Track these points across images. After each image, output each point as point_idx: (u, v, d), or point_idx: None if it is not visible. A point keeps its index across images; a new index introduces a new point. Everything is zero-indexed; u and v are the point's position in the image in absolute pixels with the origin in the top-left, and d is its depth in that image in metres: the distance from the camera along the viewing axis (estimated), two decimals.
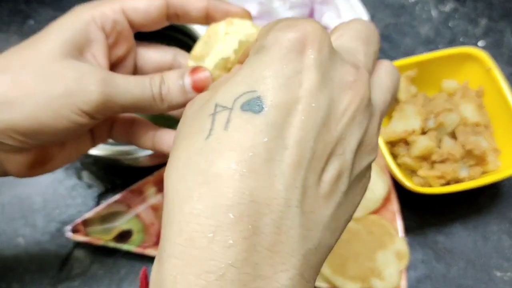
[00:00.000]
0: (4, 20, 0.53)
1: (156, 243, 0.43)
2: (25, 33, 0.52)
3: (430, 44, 0.55)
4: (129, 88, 0.26)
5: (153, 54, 0.31)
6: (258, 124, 0.17)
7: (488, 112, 0.46)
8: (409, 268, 0.44)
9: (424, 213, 0.46)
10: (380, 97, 0.21)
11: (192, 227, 0.17)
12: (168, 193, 0.18)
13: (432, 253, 0.45)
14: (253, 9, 0.50)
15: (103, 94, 0.24)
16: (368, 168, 0.21)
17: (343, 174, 0.19)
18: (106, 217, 0.43)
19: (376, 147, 0.20)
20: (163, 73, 0.27)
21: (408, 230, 0.45)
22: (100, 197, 0.46)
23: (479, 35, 0.56)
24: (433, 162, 0.43)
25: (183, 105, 0.27)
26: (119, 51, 0.29)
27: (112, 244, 0.42)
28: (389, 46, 0.55)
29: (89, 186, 0.46)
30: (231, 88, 0.19)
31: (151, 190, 0.44)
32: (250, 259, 0.16)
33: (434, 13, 0.57)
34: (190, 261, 0.17)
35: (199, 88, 0.27)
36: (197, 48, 0.28)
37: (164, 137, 0.30)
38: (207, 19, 0.29)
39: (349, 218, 0.21)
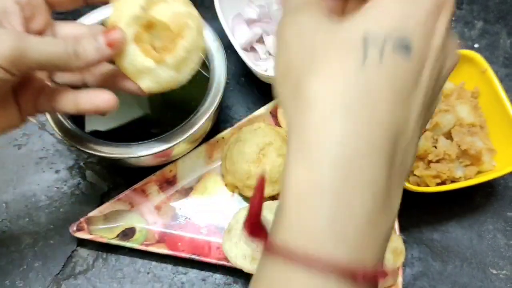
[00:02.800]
0: None
1: (158, 241, 0.43)
2: None
3: None
4: (43, 44, 0.28)
5: (70, 28, 0.34)
6: (406, 67, 0.20)
7: (483, 113, 0.47)
8: (406, 265, 0.45)
9: (420, 212, 0.47)
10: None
11: (341, 141, 0.19)
12: (322, 105, 0.20)
13: (428, 251, 0.46)
14: (254, 12, 0.51)
15: (16, 48, 0.27)
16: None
17: (440, 96, 0.25)
18: (109, 216, 0.44)
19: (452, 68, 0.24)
20: (78, 37, 0.30)
21: (404, 228, 0.46)
22: (104, 196, 0.46)
23: (475, 38, 0.57)
24: (429, 162, 0.44)
25: (99, 61, 0.30)
26: (36, 24, 0.32)
27: (115, 242, 0.43)
28: None
29: (93, 185, 0.47)
30: (383, 20, 0.20)
31: (153, 189, 0.45)
32: (389, 179, 0.20)
33: None
34: (336, 165, 0.19)
35: (112, 44, 0.30)
36: (111, 17, 0.31)
37: (85, 97, 0.32)
38: None
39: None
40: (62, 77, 0.35)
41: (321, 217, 0.19)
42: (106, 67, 0.35)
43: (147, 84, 0.33)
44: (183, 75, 0.33)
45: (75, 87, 0.34)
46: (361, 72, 0.19)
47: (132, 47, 0.31)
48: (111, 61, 0.33)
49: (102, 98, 0.32)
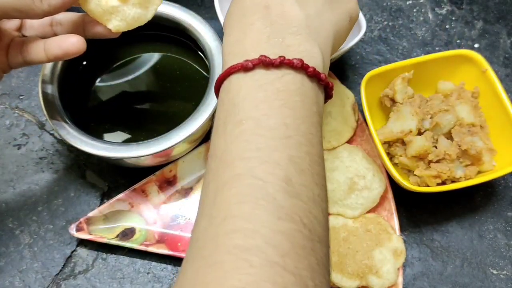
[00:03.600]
0: None
1: (158, 241, 0.43)
2: None
3: (426, 46, 0.56)
4: None
5: None
6: None
7: (483, 113, 0.47)
8: (406, 265, 0.45)
9: (420, 212, 0.47)
10: None
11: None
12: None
13: (429, 251, 0.46)
14: None
15: None
16: None
17: None
18: (109, 216, 0.44)
19: None
20: None
21: (404, 228, 0.46)
22: (103, 196, 0.46)
23: (475, 38, 0.57)
24: (430, 162, 0.44)
25: (63, 4, 0.31)
26: None
27: (115, 242, 0.43)
28: (386, 48, 0.55)
29: (93, 185, 0.47)
30: None
31: (153, 189, 0.45)
32: (271, 27, 0.28)
33: (430, 15, 0.58)
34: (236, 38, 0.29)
35: None
36: None
37: (54, 42, 0.33)
38: None
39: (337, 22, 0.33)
40: (33, 30, 0.36)
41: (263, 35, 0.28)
42: (74, 16, 0.36)
43: (115, 23, 0.34)
44: (149, 12, 0.35)
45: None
46: None
47: None
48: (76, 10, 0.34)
49: (71, 41, 0.33)
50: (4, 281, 0.43)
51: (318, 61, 0.28)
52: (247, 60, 0.26)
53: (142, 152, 0.39)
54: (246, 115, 0.25)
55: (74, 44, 0.33)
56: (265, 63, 0.26)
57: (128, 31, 0.35)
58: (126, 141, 0.40)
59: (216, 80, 0.28)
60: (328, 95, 0.30)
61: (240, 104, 0.26)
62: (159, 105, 0.48)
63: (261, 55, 0.26)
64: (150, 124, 0.47)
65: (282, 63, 0.26)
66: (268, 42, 0.27)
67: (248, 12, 0.29)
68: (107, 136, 0.44)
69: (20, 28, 0.36)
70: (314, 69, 0.27)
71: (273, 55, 0.27)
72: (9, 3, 0.29)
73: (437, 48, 0.56)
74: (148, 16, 0.35)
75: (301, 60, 0.27)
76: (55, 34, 0.36)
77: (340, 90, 0.49)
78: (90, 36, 0.35)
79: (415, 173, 0.44)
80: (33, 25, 0.36)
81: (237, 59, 0.27)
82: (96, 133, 0.43)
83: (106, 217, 0.43)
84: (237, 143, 0.24)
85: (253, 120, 0.25)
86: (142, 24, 0.35)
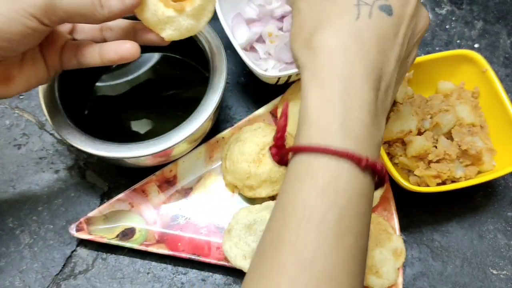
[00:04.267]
0: None
1: (158, 241, 0.43)
2: None
3: (427, 46, 0.56)
4: None
5: None
6: (389, 22, 0.28)
7: (483, 113, 0.47)
8: (406, 265, 0.45)
9: (420, 212, 0.47)
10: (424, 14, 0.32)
11: (342, 70, 0.26)
12: (326, 45, 0.27)
13: (429, 251, 0.46)
14: (253, 12, 0.51)
15: None
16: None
17: (415, 56, 0.32)
18: (109, 216, 0.43)
19: (424, 32, 0.32)
20: None
21: (405, 228, 0.46)
22: (103, 196, 0.46)
23: (475, 38, 0.57)
24: (430, 162, 0.44)
25: (122, 11, 0.32)
26: None
27: (115, 242, 0.43)
28: None
29: (93, 185, 0.47)
30: None
31: (153, 189, 0.45)
32: (376, 100, 0.27)
33: (430, 16, 0.58)
34: (336, 92, 0.26)
35: None
36: None
37: (109, 47, 0.34)
38: None
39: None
40: (83, 34, 0.38)
41: (334, 121, 0.26)
42: (124, 22, 0.37)
43: (169, 33, 0.35)
44: (201, 23, 0.36)
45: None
46: (356, 24, 0.27)
47: (153, 0, 0.34)
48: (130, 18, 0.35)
49: (126, 47, 0.34)
50: (4, 281, 0.43)
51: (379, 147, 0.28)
52: (349, 153, 0.25)
53: (142, 152, 0.39)
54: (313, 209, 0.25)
55: (129, 49, 0.34)
56: (356, 161, 0.25)
57: None
58: (126, 141, 0.40)
59: (295, 146, 0.27)
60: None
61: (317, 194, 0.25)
62: (159, 105, 0.48)
63: (355, 154, 0.25)
64: (150, 124, 0.47)
65: (368, 166, 0.26)
66: (362, 123, 0.26)
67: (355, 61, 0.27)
68: (106, 137, 0.44)
69: (71, 32, 0.37)
70: (382, 168, 0.27)
71: (360, 145, 0.26)
72: (74, 8, 0.30)
73: (437, 48, 0.56)
74: (200, 27, 0.36)
75: (382, 166, 0.27)
76: (104, 39, 0.37)
77: None
78: (141, 43, 0.36)
79: (415, 173, 0.44)
80: (84, 29, 0.38)
81: (324, 136, 0.26)
82: (95, 133, 0.43)
83: (106, 217, 0.43)
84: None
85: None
86: (193, 34, 0.36)
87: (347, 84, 0.26)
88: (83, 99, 0.46)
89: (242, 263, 0.41)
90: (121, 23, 0.37)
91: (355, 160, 0.25)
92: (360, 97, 0.26)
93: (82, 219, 0.43)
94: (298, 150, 0.26)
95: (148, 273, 0.44)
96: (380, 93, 0.27)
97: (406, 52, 0.29)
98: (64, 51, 0.36)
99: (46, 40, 0.34)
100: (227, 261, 0.42)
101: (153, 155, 0.39)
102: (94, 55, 0.35)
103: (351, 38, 0.27)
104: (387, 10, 0.28)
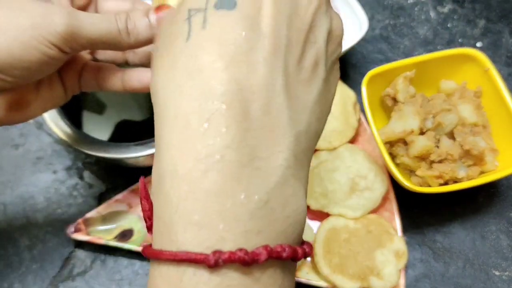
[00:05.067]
0: None
1: None
2: None
3: (428, 45, 0.55)
4: (94, 21, 0.28)
5: (112, 3, 0.33)
6: (234, 19, 0.19)
7: (486, 113, 0.46)
8: (408, 267, 0.44)
9: (422, 213, 0.47)
10: (334, 14, 0.23)
11: (187, 119, 0.18)
12: (158, 96, 0.20)
13: (431, 252, 0.45)
14: None
15: (69, 25, 0.26)
16: (337, 60, 0.23)
17: (319, 61, 0.20)
18: (107, 217, 0.43)
19: (341, 37, 0.22)
20: (128, 12, 0.29)
21: (406, 229, 0.46)
22: (101, 196, 0.46)
23: (477, 36, 0.56)
24: (432, 162, 0.43)
25: (149, 40, 0.29)
26: (80, 0, 0.31)
27: (113, 243, 0.42)
28: (388, 47, 0.55)
29: (91, 186, 0.46)
30: None
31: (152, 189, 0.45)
32: (246, 141, 0.18)
33: (432, 14, 0.57)
34: (189, 148, 0.18)
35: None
36: None
37: (133, 75, 0.32)
38: None
39: (329, 109, 0.22)
40: (105, 55, 0.35)
41: (169, 204, 0.18)
42: (150, 47, 0.35)
43: None
44: None
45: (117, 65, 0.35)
46: (186, 48, 0.19)
47: None
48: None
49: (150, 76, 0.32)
50: (2, 283, 0.42)
51: (304, 218, 0.19)
52: (215, 253, 0.17)
53: (141, 152, 0.39)
54: None
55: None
56: (244, 261, 0.17)
57: None
58: (125, 141, 0.40)
59: (145, 250, 0.19)
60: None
61: None
62: None
63: (239, 249, 0.17)
64: (150, 123, 0.46)
65: (269, 257, 0.17)
66: (247, 205, 0.17)
67: (205, 105, 0.18)
68: (106, 136, 0.44)
69: (92, 52, 0.35)
70: (304, 249, 0.19)
71: (254, 233, 0.17)
72: (99, 36, 0.28)
73: (439, 47, 0.55)
74: None
75: (293, 248, 0.18)
76: (126, 61, 0.35)
77: (342, 89, 0.49)
78: None
79: (417, 173, 0.43)
80: (106, 50, 0.35)
81: (196, 237, 0.17)
82: (94, 133, 0.42)
83: (104, 218, 0.43)
84: None
85: None
86: None
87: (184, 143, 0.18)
88: (80, 99, 0.46)
89: None
90: (145, 47, 0.34)
91: (199, 260, 0.17)
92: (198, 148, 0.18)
93: (80, 220, 0.42)
94: (181, 258, 0.17)
95: (147, 275, 0.43)
96: (252, 128, 0.18)
97: (298, 51, 0.20)
98: (84, 73, 0.33)
99: (65, 61, 0.32)
100: None
101: (153, 155, 0.39)
102: (116, 81, 0.32)
103: (182, 69, 0.19)
104: (227, 3, 0.19)
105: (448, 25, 0.57)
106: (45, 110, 0.32)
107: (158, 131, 0.20)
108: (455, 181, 0.43)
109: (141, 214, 0.44)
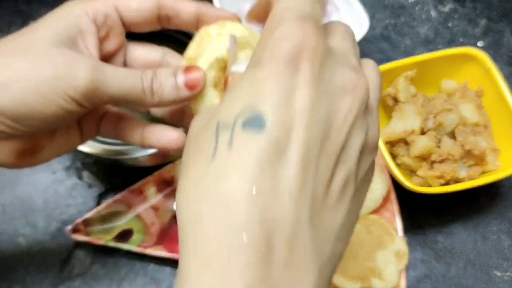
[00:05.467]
0: (5, 20, 0.53)
1: (157, 242, 0.43)
2: None
3: (429, 44, 0.55)
4: (119, 77, 0.26)
5: (142, 52, 0.31)
6: (261, 142, 0.17)
7: (487, 112, 0.46)
8: (409, 267, 0.44)
9: (423, 213, 0.47)
10: (374, 95, 0.21)
11: (207, 252, 0.17)
12: (181, 216, 0.18)
13: (432, 253, 0.45)
14: None
15: (92, 81, 0.25)
16: (372, 166, 0.21)
17: (349, 180, 0.19)
18: (107, 217, 0.43)
19: (377, 144, 0.21)
20: (156, 69, 0.27)
21: (407, 229, 0.46)
22: (101, 197, 0.46)
23: (478, 36, 0.56)
24: (433, 162, 0.43)
25: (174, 102, 0.27)
26: (110, 45, 0.29)
27: (113, 244, 0.42)
28: (389, 46, 0.55)
29: (90, 186, 0.46)
30: (231, 105, 0.19)
31: (151, 190, 0.44)
32: (267, 278, 0.17)
33: (433, 13, 0.57)
34: (207, 283, 0.17)
35: (192, 87, 0.27)
36: (190, 50, 0.28)
37: (153, 132, 0.30)
38: (198, 23, 0.29)
39: (356, 220, 0.21)
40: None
41: None
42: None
43: None
44: None
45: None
46: (210, 167, 0.18)
47: (211, 93, 0.28)
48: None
49: (172, 137, 0.30)
50: (2, 284, 0.42)
51: None
52: None
53: (140, 152, 0.39)
54: None
55: (174, 140, 0.30)
56: None
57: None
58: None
59: None
60: None
61: None
62: None
63: None
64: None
65: None
66: None
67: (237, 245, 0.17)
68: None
69: None
70: None
71: None
72: (120, 92, 0.26)
73: (440, 46, 0.55)
74: None
75: None
76: (148, 111, 0.33)
77: None
78: (185, 127, 0.31)
79: (418, 173, 0.43)
80: None
81: None
82: None
83: (103, 218, 0.43)
84: None
85: None
86: None
87: (211, 269, 0.17)
88: None
89: None
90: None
91: None
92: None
93: (79, 221, 0.42)
94: None
95: (146, 275, 0.43)
96: (276, 264, 0.17)
97: (327, 176, 0.18)
98: (103, 121, 0.31)
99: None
100: None
101: (152, 155, 0.39)
102: (135, 135, 0.30)
103: (204, 195, 0.18)
104: (256, 123, 0.18)
105: (449, 25, 0.57)
106: (58, 155, 0.30)
107: (180, 255, 0.18)
108: (456, 181, 0.43)
109: (140, 214, 0.44)
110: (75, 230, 0.42)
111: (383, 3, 0.57)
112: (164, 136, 0.30)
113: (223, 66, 0.28)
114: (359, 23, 0.48)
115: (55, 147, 0.29)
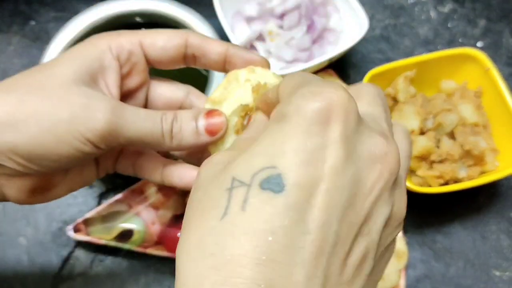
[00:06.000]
0: (5, 21, 0.53)
1: (157, 242, 0.43)
2: (26, 34, 0.52)
3: (429, 44, 0.55)
4: (138, 120, 0.25)
5: (165, 90, 0.30)
6: (278, 206, 0.16)
7: (486, 113, 0.46)
8: (408, 267, 0.44)
9: (423, 213, 0.47)
10: (403, 165, 0.20)
11: None
12: (179, 275, 0.17)
13: (431, 253, 0.45)
14: (253, 10, 0.50)
15: (110, 123, 0.24)
16: (393, 241, 0.20)
17: (368, 255, 0.17)
18: (107, 217, 0.43)
19: (402, 220, 0.19)
20: (177, 111, 0.26)
21: (407, 229, 0.46)
22: (101, 196, 0.46)
23: (477, 36, 0.56)
24: (432, 162, 0.43)
25: (193, 147, 0.26)
26: (132, 83, 0.28)
27: (113, 244, 0.42)
28: (388, 47, 0.55)
29: (90, 186, 0.46)
30: (250, 160, 0.17)
31: (151, 189, 0.44)
32: None
33: (433, 14, 0.57)
34: None
35: (212, 132, 0.26)
36: (216, 92, 0.27)
37: (174, 171, 0.29)
38: (226, 64, 0.28)
39: None
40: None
41: None
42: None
43: None
44: None
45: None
46: (218, 228, 0.16)
47: (232, 138, 0.27)
48: None
49: (192, 176, 0.29)
50: (2, 283, 0.42)
51: None
52: None
53: None
54: None
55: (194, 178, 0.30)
56: None
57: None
58: None
59: None
60: None
61: None
62: None
63: None
64: None
65: None
66: None
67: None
68: None
69: None
70: None
71: None
72: (139, 135, 0.25)
73: (439, 47, 0.55)
74: None
75: None
76: (166, 152, 0.31)
77: None
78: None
79: (417, 173, 0.43)
80: None
81: None
82: None
83: (104, 217, 0.43)
84: None
85: None
86: None
87: None
88: None
89: None
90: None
91: None
92: None
93: (79, 220, 0.42)
94: None
95: (147, 275, 0.43)
96: None
97: (345, 249, 0.17)
98: (121, 157, 0.30)
99: None
100: None
101: None
102: (155, 173, 0.29)
103: (206, 256, 0.16)
104: (275, 183, 0.16)
105: (449, 25, 0.57)
106: (72, 191, 0.29)
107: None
108: (456, 181, 0.43)
109: (141, 214, 0.44)
110: (76, 230, 0.42)
111: (382, 4, 0.57)
112: (186, 174, 0.28)
113: (248, 114, 0.27)
114: (359, 23, 0.48)
115: (68, 184, 0.28)
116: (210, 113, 0.26)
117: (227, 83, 0.27)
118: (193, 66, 0.29)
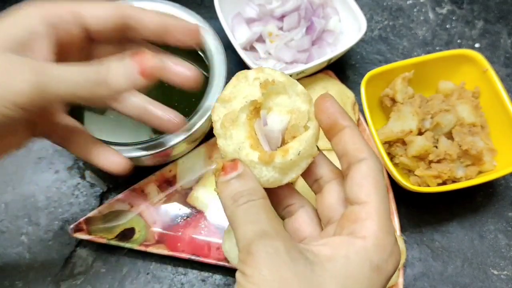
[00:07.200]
0: None
1: (158, 241, 0.43)
2: None
3: (427, 46, 0.56)
4: (71, 76, 0.25)
5: (112, 50, 0.32)
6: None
7: (484, 113, 0.47)
8: (406, 266, 0.45)
9: (421, 212, 0.47)
10: None
11: None
12: None
13: (429, 252, 0.45)
14: (253, 12, 0.51)
15: (32, 83, 0.24)
16: None
17: None
18: (109, 216, 0.43)
19: None
20: (106, 59, 0.27)
21: (405, 228, 0.46)
22: (103, 196, 0.46)
23: (475, 37, 0.57)
24: (430, 162, 0.43)
25: (127, 89, 0.27)
26: (73, 50, 0.29)
27: (115, 242, 0.42)
28: (387, 48, 0.55)
29: (92, 185, 0.47)
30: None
31: (153, 189, 0.45)
32: None
33: (431, 15, 0.58)
34: None
35: (145, 74, 0.27)
36: (226, 90, 0.28)
37: (98, 154, 0.31)
38: (167, 35, 0.29)
39: None
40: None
41: None
42: (139, 98, 0.32)
43: None
44: (286, 178, 0.29)
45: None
46: None
47: (241, 133, 0.27)
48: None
49: (114, 161, 0.31)
50: (4, 281, 0.42)
51: None
52: None
53: (142, 152, 0.39)
54: None
55: (117, 165, 0.31)
56: None
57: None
58: (125, 141, 0.40)
59: None
60: None
61: None
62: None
63: None
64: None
65: None
66: None
67: None
68: (105, 136, 0.44)
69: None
70: None
71: None
72: (71, 89, 0.25)
73: (437, 48, 0.56)
74: (284, 181, 0.29)
75: None
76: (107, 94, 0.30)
77: (340, 89, 0.49)
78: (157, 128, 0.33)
79: (415, 173, 0.43)
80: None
81: None
82: (94, 132, 0.43)
83: (105, 217, 0.43)
84: None
85: None
86: (273, 187, 0.29)
87: None
88: None
89: None
90: (134, 97, 0.33)
91: None
92: None
93: (81, 219, 0.43)
94: None
95: (147, 274, 0.44)
96: None
97: None
98: (52, 133, 0.31)
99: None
100: (227, 261, 0.42)
101: (153, 155, 0.39)
102: (81, 152, 0.31)
103: None
104: None
105: (447, 26, 0.57)
106: (6, 154, 0.30)
107: None
108: (454, 180, 0.44)
109: (142, 213, 0.44)
110: (78, 229, 0.42)
111: (381, 5, 0.58)
112: (108, 159, 0.31)
113: (256, 108, 0.28)
114: (357, 25, 0.48)
115: (2, 148, 0.29)
116: (138, 53, 0.27)
117: (237, 81, 0.28)
118: (132, 38, 0.30)
